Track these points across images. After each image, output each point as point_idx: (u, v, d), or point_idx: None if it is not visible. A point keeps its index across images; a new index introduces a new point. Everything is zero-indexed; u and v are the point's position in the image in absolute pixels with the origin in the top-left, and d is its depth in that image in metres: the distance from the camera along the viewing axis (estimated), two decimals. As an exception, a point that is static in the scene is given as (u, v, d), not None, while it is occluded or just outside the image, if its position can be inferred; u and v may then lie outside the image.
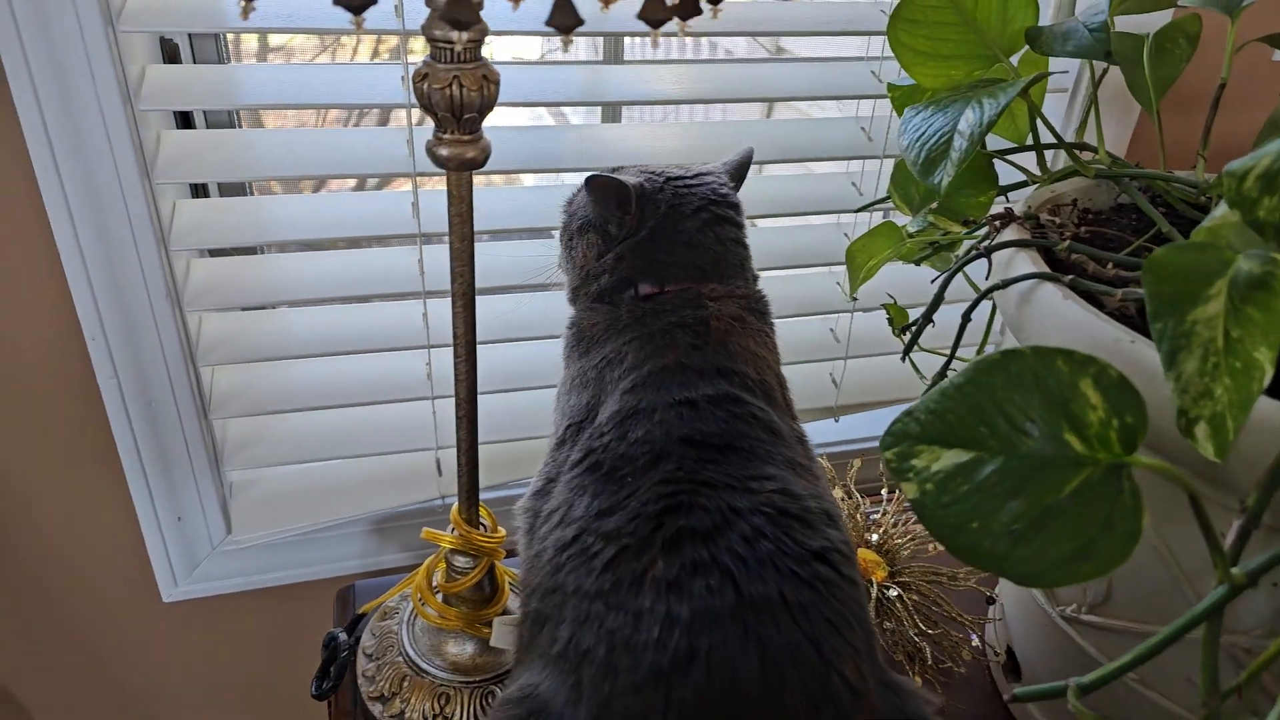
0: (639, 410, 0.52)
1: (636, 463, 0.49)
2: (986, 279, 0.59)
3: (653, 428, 0.50)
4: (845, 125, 0.90)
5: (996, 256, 0.58)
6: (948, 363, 0.60)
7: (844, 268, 1.00)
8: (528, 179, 1.09)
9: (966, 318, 0.58)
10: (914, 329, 0.61)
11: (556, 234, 0.69)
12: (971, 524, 0.40)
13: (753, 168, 0.69)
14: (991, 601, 0.77)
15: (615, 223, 0.60)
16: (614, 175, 0.59)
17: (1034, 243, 0.57)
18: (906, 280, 0.92)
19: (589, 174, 0.60)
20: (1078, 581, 0.38)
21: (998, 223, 0.59)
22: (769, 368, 0.59)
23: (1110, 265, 0.56)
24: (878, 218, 0.99)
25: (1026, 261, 0.56)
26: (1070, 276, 0.53)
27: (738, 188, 0.65)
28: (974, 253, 0.58)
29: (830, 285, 0.99)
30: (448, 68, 0.46)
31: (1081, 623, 0.62)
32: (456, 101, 0.46)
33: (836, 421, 1.02)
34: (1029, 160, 0.70)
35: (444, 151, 0.48)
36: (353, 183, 1.36)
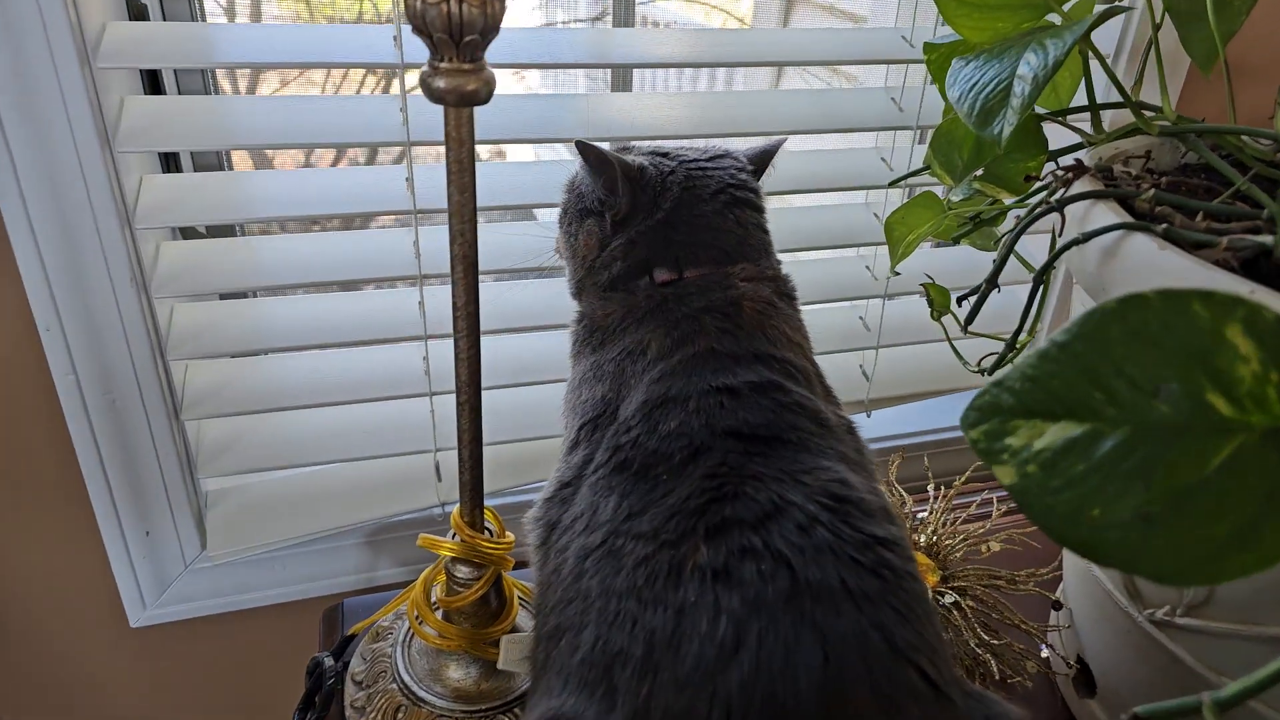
0: (669, 399, 0.47)
1: (672, 459, 0.45)
2: (1057, 238, 0.52)
3: (688, 418, 0.46)
4: (874, 95, 0.84)
5: (1069, 212, 0.51)
6: (1016, 336, 0.53)
7: (873, 249, 0.94)
8: (523, 153, 1.02)
9: (1040, 280, 0.51)
10: (975, 299, 0.54)
11: (555, 215, 0.64)
12: (1091, 511, 0.33)
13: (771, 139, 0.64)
14: (1058, 606, 0.69)
15: (606, 204, 0.57)
16: (604, 149, 0.56)
17: (1113, 193, 0.50)
18: (931, 268, 0.85)
19: (579, 140, 0.56)
20: (1240, 575, 0.31)
21: (1069, 174, 0.52)
22: (806, 354, 0.55)
23: (1201, 217, 0.49)
24: (904, 199, 0.92)
25: (1107, 214, 0.49)
26: (1164, 225, 0.46)
27: (757, 177, 0.62)
28: (1043, 207, 0.51)
29: (859, 269, 0.92)
30: (445, -22, 0.39)
31: (1175, 627, 0.55)
32: (455, 20, 0.39)
33: (869, 416, 0.95)
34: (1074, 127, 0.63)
35: (441, 83, 0.41)
36: (335, 156, 1.28)
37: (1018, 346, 0.57)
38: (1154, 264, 0.45)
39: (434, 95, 0.41)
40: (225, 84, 1.19)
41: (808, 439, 0.46)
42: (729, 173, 0.58)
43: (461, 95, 0.41)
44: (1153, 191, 0.48)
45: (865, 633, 0.38)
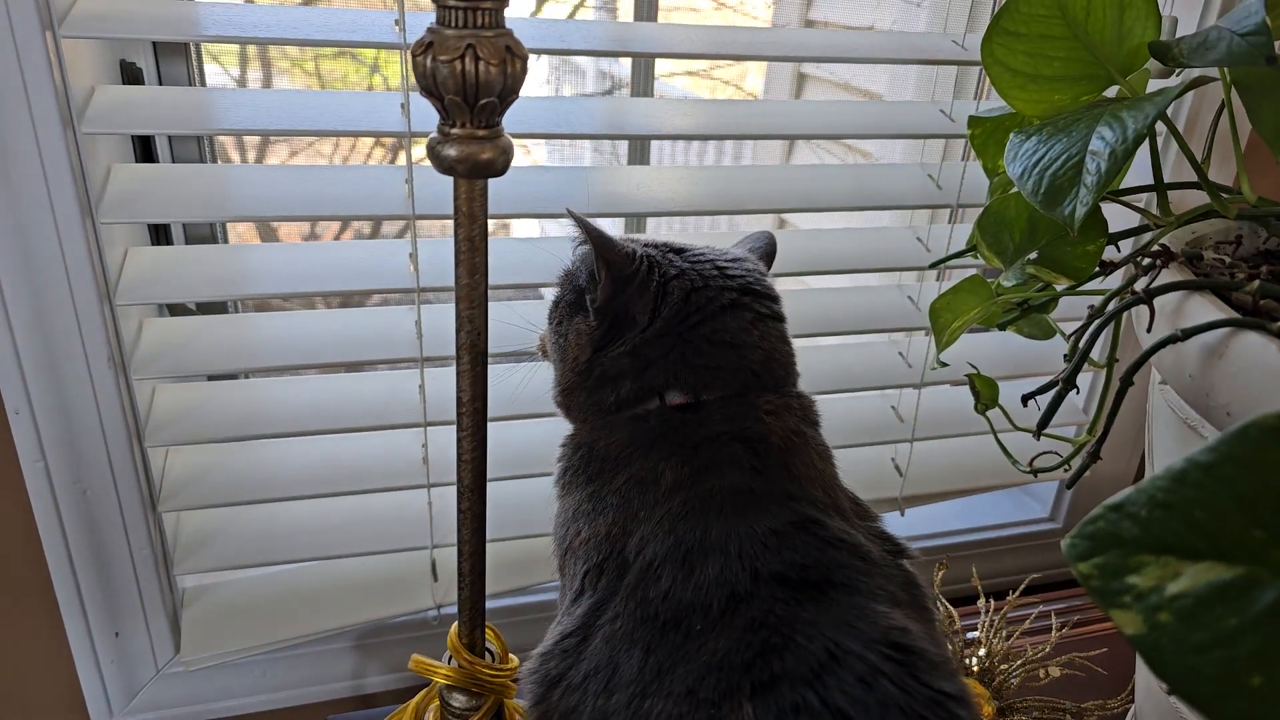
0: (709, 546, 0.41)
1: (710, 610, 0.39)
2: (1147, 330, 0.46)
3: (729, 563, 0.40)
4: (910, 171, 0.79)
5: (1158, 302, 0.45)
6: (1101, 441, 0.46)
7: (905, 335, 0.89)
8: (528, 229, 0.98)
9: (1128, 381, 0.45)
10: (1050, 399, 0.48)
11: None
12: (1249, 678, 0.26)
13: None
14: (1131, 745, 0.61)
15: (587, 289, 0.50)
16: (594, 225, 0.48)
17: (1211, 283, 0.44)
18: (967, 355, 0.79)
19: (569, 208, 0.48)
20: None
21: (1156, 261, 0.46)
22: (837, 486, 0.48)
23: (1311, 312, 0.43)
24: (941, 281, 0.87)
25: (1204, 306, 0.43)
26: (1279, 324, 0.40)
27: None
28: (1130, 297, 0.45)
29: (891, 355, 0.86)
30: (459, 34, 0.34)
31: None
32: (471, 80, 0.34)
33: (902, 515, 0.87)
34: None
35: (451, 151, 0.36)
36: (339, 229, 1.24)
37: (1080, 447, 0.51)
38: (1273, 367, 0.38)
39: (444, 165, 0.36)
40: (234, 155, 1.16)
41: (857, 579, 0.41)
42: (752, 277, 0.51)
43: (475, 165, 0.36)
44: (1257, 283, 0.42)
45: None
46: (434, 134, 0.37)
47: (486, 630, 0.52)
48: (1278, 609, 0.26)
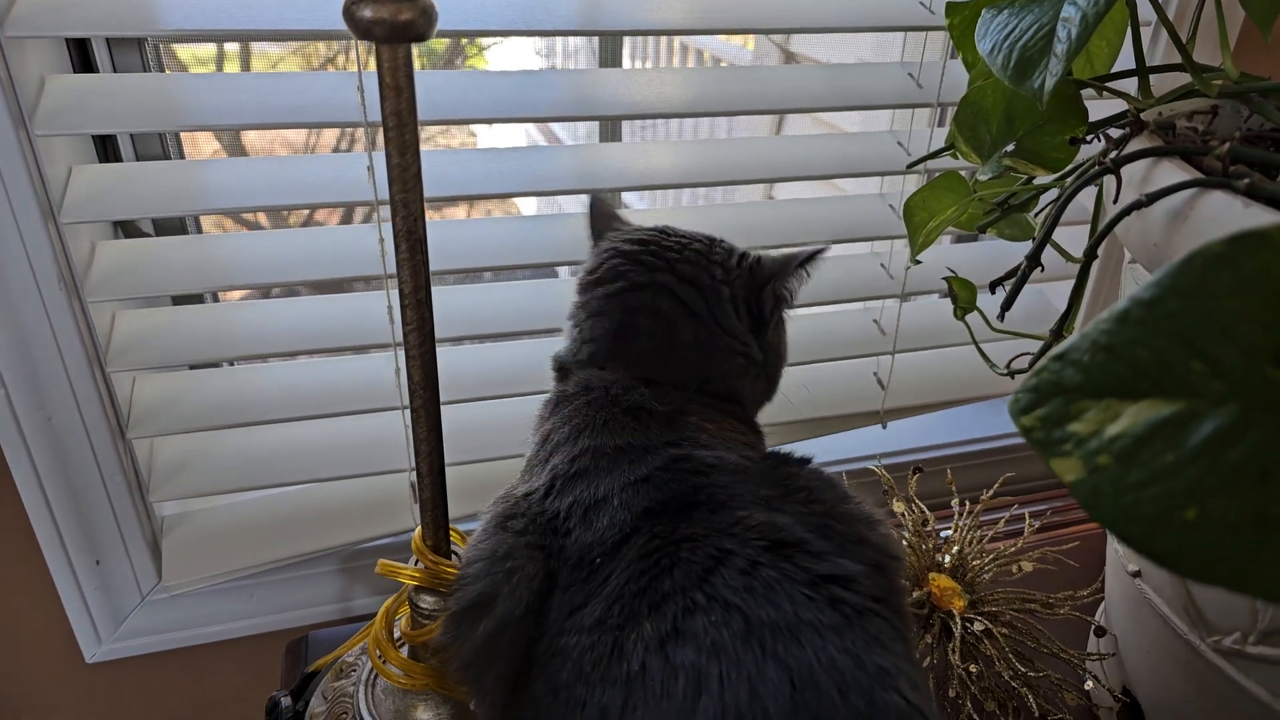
0: (598, 499, 0.44)
1: (605, 546, 0.42)
2: (1113, 201, 0.44)
3: (614, 512, 0.43)
4: (889, 70, 0.76)
5: (1126, 174, 0.44)
6: (1062, 323, 0.45)
7: (887, 245, 0.87)
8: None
9: (1091, 256, 0.43)
10: (1013, 283, 0.46)
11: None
12: (1184, 512, 0.26)
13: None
14: (1101, 633, 0.61)
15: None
16: (601, 201, 0.55)
17: (1179, 149, 0.43)
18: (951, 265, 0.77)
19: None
20: None
21: (1125, 129, 0.44)
22: (728, 427, 0.49)
23: (1283, 176, 0.41)
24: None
25: (1173, 173, 0.42)
26: (1245, 180, 0.38)
27: (769, 282, 0.52)
28: (1096, 168, 0.44)
29: (873, 267, 0.84)
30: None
31: (1247, 657, 0.47)
32: (383, -68, 0.32)
33: (884, 428, 0.87)
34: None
35: (367, 12, 0.34)
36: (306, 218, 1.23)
37: (1051, 342, 0.49)
38: (1237, 225, 0.37)
39: (360, 28, 0.34)
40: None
41: (718, 494, 0.43)
42: (627, 244, 0.52)
43: (393, 27, 0.34)
44: (1227, 145, 0.40)
45: (833, 658, 0.36)
46: (349, -3, 0.35)
47: (451, 533, 0.52)
48: (1214, 441, 0.25)
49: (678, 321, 0.50)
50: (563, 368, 0.53)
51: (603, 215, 0.56)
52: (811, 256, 0.51)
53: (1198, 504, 0.25)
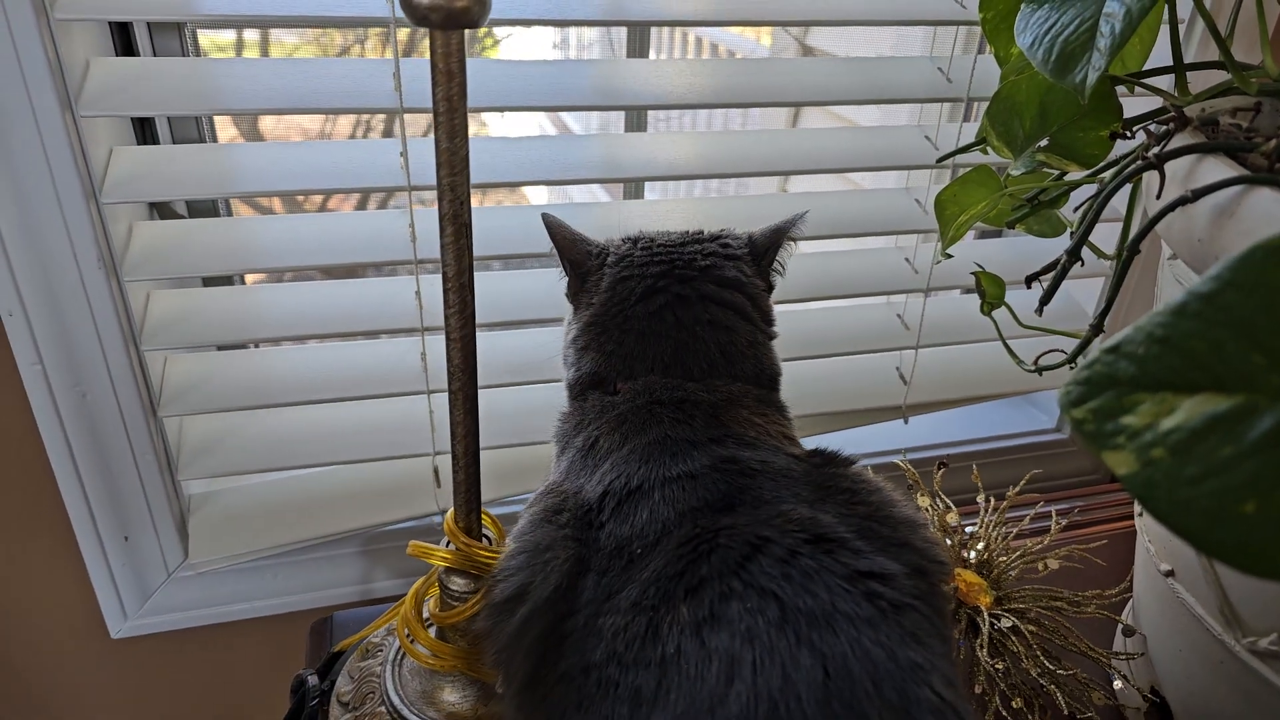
0: (635, 491, 0.45)
1: (646, 539, 0.43)
2: (1156, 198, 0.44)
3: (655, 506, 0.44)
4: (918, 64, 0.76)
5: (1169, 169, 0.44)
6: (1102, 318, 0.45)
7: (912, 240, 0.87)
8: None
9: (1134, 250, 0.43)
10: (1051, 277, 0.46)
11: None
12: (1243, 505, 0.26)
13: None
14: (1130, 632, 0.61)
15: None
16: (558, 221, 0.54)
17: (1225, 145, 0.43)
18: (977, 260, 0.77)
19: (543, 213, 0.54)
20: None
21: (1168, 126, 0.44)
22: (771, 425, 0.50)
23: (1329, 176, 0.41)
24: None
25: (1218, 170, 0.42)
26: (1293, 180, 0.38)
27: (763, 258, 0.54)
28: (1140, 163, 0.44)
29: (897, 261, 0.84)
30: None
31: (1284, 661, 0.46)
32: (441, -83, 0.32)
33: (906, 423, 0.87)
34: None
35: (425, -2, 0.34)
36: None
37: (1086, 341, 0.49)
38: (1285, 223, 0.37)
39: (417, 14, 0.35)
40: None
41: (763, 494, 0.43)
42: (686, 259, 0.51)
43: (449, 14, 0.34)
44: (1273, 142, 0.40)
45: (868, 649, 0.36)
46: (406, -19, 0.35)
47: (483, 516, 0.52)
48: (1275, 435, 0.25)
49: (734, 326, 0.51)
50: (597, 384, 0.52)
51: (564, 235, 0.54)
52: (794, 223, 0.54)
53: (1257, 498, 0.25)
